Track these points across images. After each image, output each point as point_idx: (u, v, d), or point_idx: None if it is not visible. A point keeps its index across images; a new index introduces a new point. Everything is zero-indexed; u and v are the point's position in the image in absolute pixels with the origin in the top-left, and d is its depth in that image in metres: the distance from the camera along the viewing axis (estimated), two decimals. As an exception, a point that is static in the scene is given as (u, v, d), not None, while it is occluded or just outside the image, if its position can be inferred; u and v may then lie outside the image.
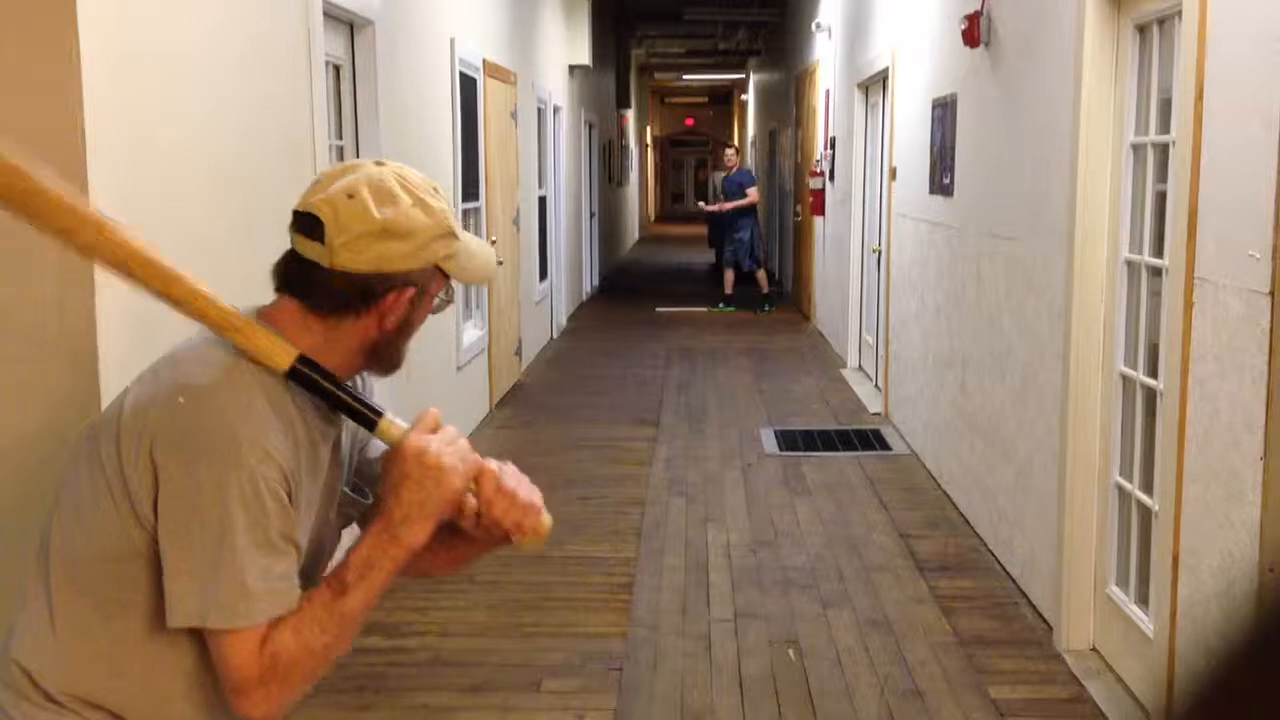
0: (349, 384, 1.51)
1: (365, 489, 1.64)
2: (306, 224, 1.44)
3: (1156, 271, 3.32)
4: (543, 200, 9.91)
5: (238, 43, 3.30)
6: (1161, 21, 3.31)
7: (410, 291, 1.48)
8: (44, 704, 1.42)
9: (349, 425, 1.56)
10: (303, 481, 1.44)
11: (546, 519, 1.51)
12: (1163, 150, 3.30)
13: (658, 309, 12.48)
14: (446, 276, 1.52)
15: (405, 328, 1.51)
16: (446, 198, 1.52)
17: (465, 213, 6.61)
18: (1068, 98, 3.72)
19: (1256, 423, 2.53)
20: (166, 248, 2.95)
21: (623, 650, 3.76)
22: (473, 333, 6.90)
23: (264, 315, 1.47)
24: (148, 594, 1.40)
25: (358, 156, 4.71)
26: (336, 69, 4.55)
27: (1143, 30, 3.45)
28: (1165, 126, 3.28)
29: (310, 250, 1.44)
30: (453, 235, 1.49)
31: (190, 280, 1.40)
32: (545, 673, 3.58)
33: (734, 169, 12.63)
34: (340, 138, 4.60)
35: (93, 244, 1.36)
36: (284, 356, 1.41)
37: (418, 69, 5.52)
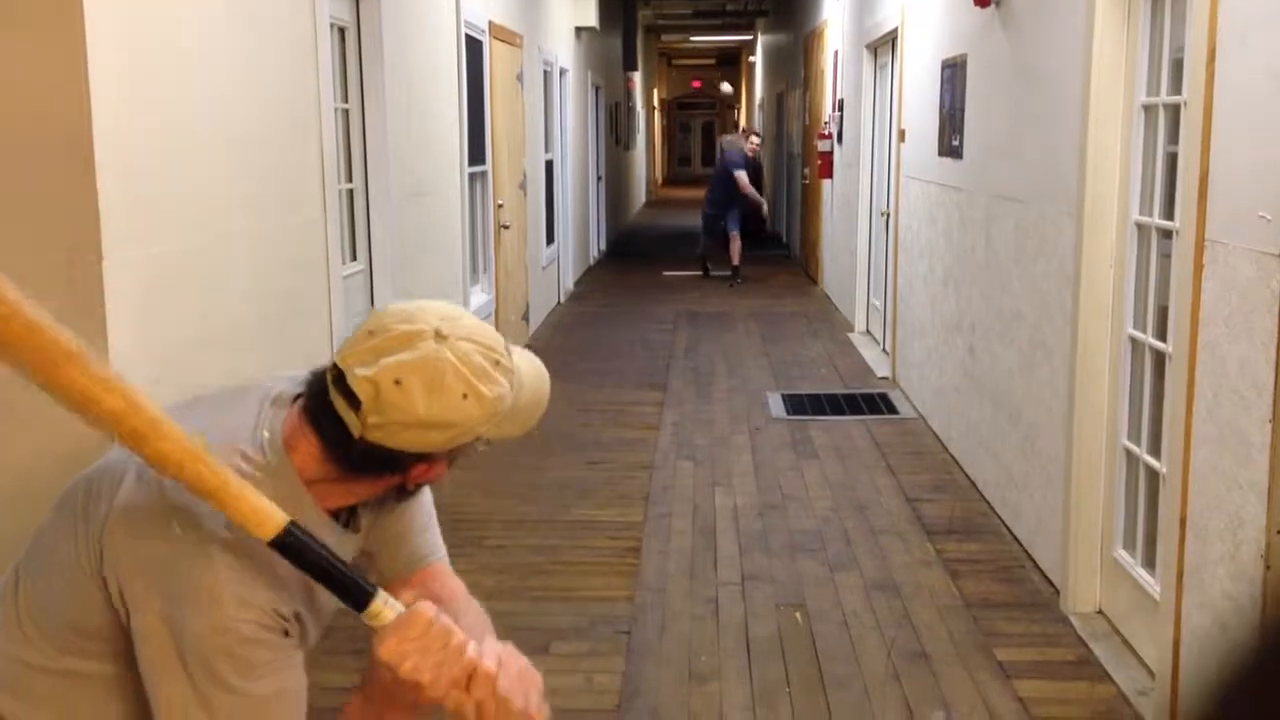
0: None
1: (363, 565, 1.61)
2: (343, 386, 1.33)
3: (1166, 234, 3.30)
4: (549, 164, 9.87)
5: (242, 6, 3.28)
6: (1174, -20, 3.27)
7: (442, 464, 1.41)
8: None
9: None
10: (308, 608, 1.41)
11: None
12: (1174, 111, 3.27)
13: (665, 273, 12.45)
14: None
15: (429, 484, 1.46)
16: (508, 365, 1.40)
17: (472, 177, 6.59)
18: (1078, 58, 3.69)
19: (1265, 385, 2.52)
20: (171, 213, 2.92)
21: (630, 613, 3.78)
22: (480, 297, 6.89)
23: (288, 436, 1.38)
24: (106, 668, 1.39)
25: (364, 121, 4.69)
26: (342, 31, 4.52)
27: (1155, -11, 3.41)
28: (1177, 87, 3.25)
29: (342, 410, 1.33)
30: (499, 413, 1.37)
31: (169, 429, 1.24)
32: (554, 636, 3.60)
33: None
34: (346, 101, 4.57)
35: (50, 374, 1.18)
36: (269, 525, 1.27)
37: (423, 31, 5.48)
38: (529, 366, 1.46)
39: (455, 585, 1.67)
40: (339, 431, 1.33)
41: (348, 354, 1.34)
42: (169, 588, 1.31)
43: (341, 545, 1.46)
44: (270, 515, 1.27)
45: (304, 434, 1.38)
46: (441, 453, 1.39)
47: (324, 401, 1.35)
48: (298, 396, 1.42)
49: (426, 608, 1.32)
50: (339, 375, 1.34)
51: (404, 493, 1.45)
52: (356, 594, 1.31)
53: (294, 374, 1.48)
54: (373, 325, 1.36)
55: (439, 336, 1.33)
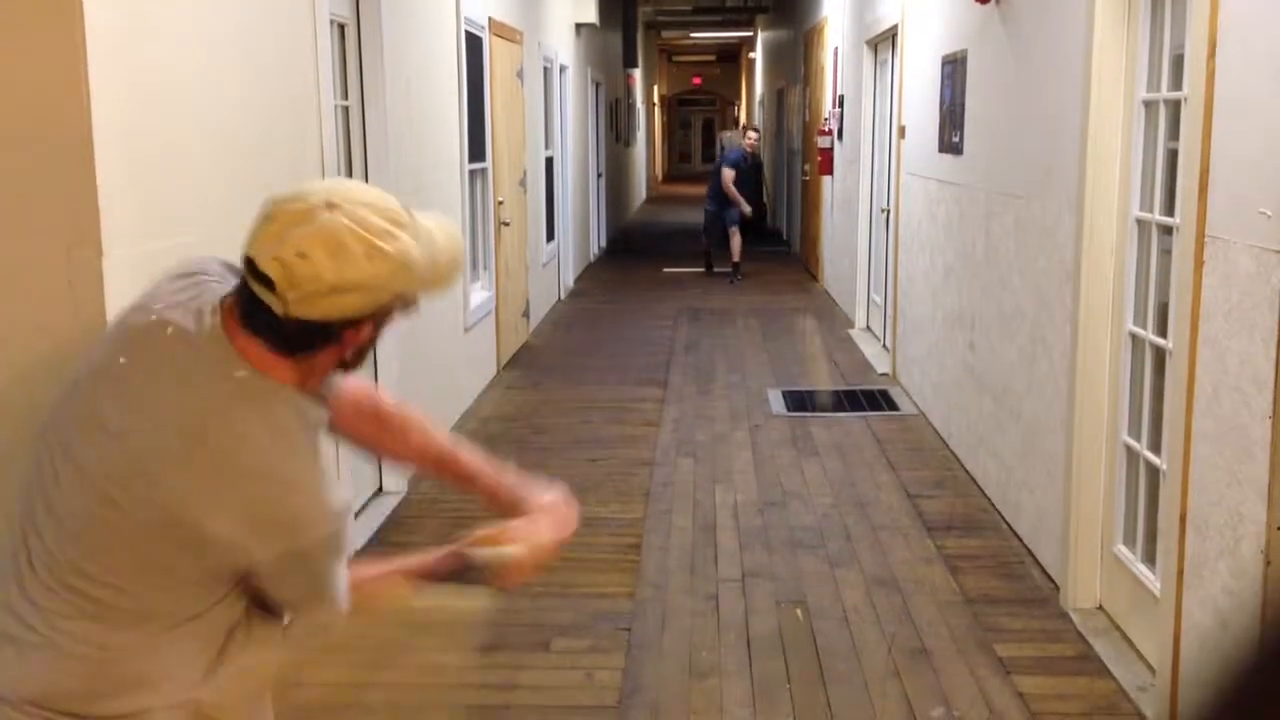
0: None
1: None
2: (257, 273, 1.41)
3: (1167, 230, 3.30)
4: (549, 161, 9.86)
5: (242, 3, 3.27)
6: (1174, -24, 3.27)
7: (368, 326, 1.49)
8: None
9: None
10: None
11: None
12: (1174, 107, 3.27)
13: (665, 270, 12.45)
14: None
15: (370, 346, 1.55)
16: (409, 223, 1.46)
17: (472, 174, 6.59)
18: (1079, 54, 3.69)
19: (1266, 381, 2.52)
20: (171, 209, 2.92)
21: (631, 610, 3.79)
22: (480, 294, 6.89)
23: (237, 348, 1.46)
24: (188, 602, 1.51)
25: (364, 119, 4.69)
26: (341, 28, 4.51)
27: (1155, -15, 3.40)
28: (1177, 83, 3.25)
29: (264, 295, 1.41)
30: (409, 269, 1.44)
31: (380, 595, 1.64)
32: (554, 632, 3.61)
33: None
34: (345, 98, 4.57)
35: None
36: (407, 595, 1.65)
37: (423, 27, 5.48)
38: (439, 226, 1.52)
39: (415, 415, 1.85)
40: (268, 318, 1.42)
41: (253, 243, 1.42)
42: (269, 527, 1.46)
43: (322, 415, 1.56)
44: (402, 590, 1.65)
45: (247, 339, 1.45)
46: (367, 316, 1.47)
47: (248, 295, 1.43)
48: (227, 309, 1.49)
49: (518, 550, 1.67)
50: (250, 264, 1.42)
51: (344, 363, 1.54)
52: (477, 574, 1.67)
53: (182, 287, 1.53)
54: (268, 212, 1.43)
55: (331, 206, 1.40)
